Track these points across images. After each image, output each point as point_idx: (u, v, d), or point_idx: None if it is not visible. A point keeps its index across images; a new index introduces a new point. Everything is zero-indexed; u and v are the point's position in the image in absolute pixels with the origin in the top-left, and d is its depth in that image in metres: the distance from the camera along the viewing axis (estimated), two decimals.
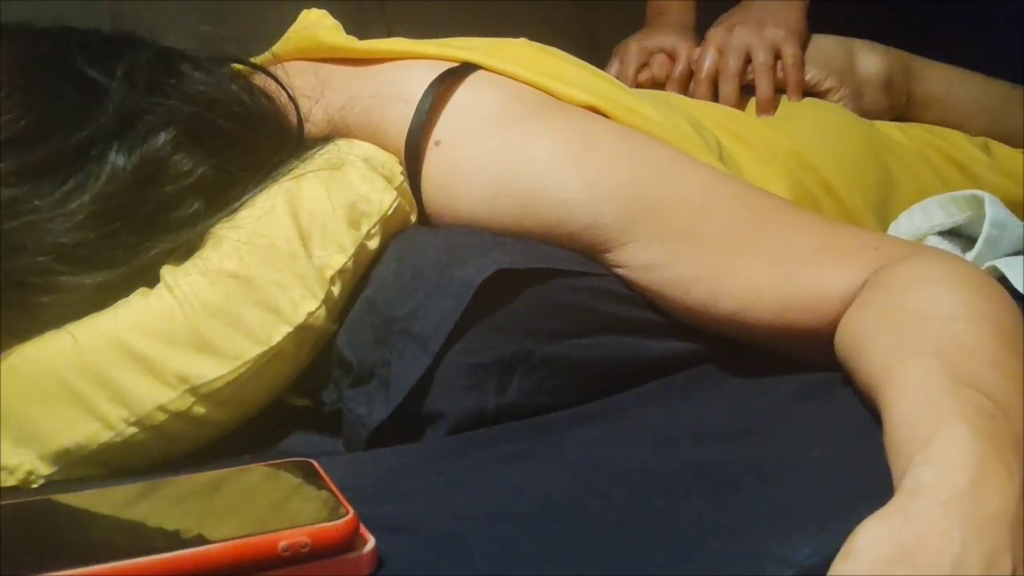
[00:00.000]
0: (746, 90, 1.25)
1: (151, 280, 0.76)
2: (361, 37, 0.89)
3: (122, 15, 0.83)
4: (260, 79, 0.86)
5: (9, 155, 0.72)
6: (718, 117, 1.08)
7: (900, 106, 1.31)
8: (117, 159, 0.75)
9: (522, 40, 0.95)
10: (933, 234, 0.98)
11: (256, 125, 0.83)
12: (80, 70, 0.77)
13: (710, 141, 0.97)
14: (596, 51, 0.98)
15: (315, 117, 0.86)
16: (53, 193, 0.73)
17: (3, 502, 0.57)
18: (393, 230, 0.82)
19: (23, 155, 0.73)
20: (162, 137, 0.77)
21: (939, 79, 1.33)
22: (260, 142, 0.82)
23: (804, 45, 1.26)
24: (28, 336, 0.74)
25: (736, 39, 1.25)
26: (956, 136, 1.24)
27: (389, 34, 0.90)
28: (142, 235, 0.76)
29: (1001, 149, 1.26)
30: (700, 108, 1.09)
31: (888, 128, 1.22)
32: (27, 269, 0.73)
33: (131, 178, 0.75)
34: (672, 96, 1.14)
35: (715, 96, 1.26)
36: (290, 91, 0.86)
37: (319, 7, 0.92)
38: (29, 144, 0.73)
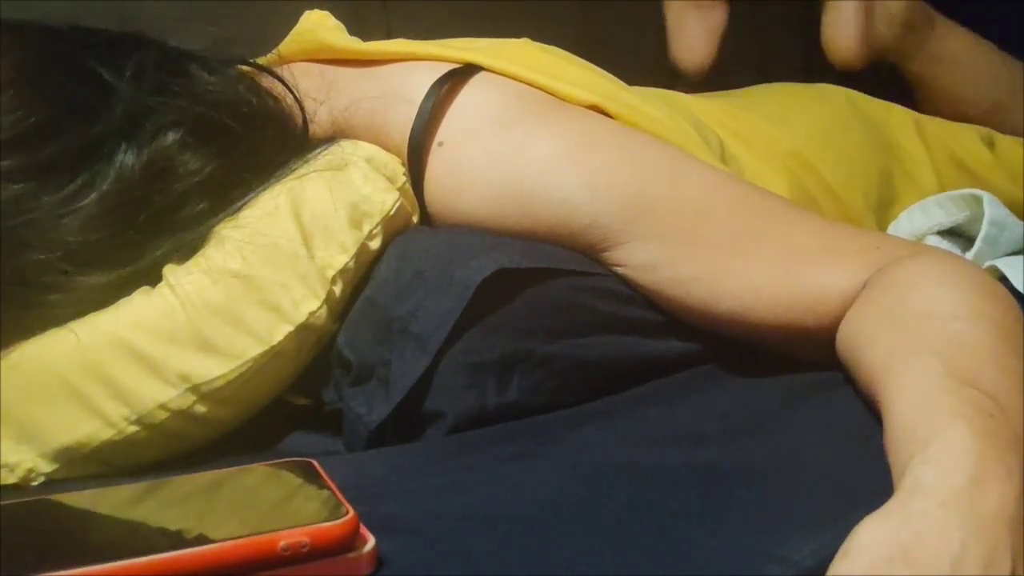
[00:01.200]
0: (747, 86, 1.25)
1: (154, 279, 0.76)
2: (362, 37, 0.90)
3: (130, 15, 0.84)
4: (267, 80, 0.87)
5: (17, 152, 0.72)
6: (720, 116, 1.08)
7: (908, 53, 1.31)
8: (126, 158, 0.75)
9: (524, 40, 0.95)
10: (932, 233, 0.98)
11: (262, 126, 0.83)
12: (90, 69, 0.77)
13: (711, 140, 0.97)
14: (597, 51, 0.98)
15: (320, 118, 0.87)
16: (61, 191, 0.73)
17: (3, 502, 0.57)
18: (395, 230, 0.82)
19: (31, 152, 0.73)
20: (170, 137, 0.77)
21: (960, 39, 1.33)
22: (265, 143, 0.82)
23: None
24: (31, 334, 0.74)
25: None
26: (964, 136, 1.24)
27: (389, 34, 0.90)
28: (148, 234, 0.76)
29: (1004, 143, 1.25)
30: (702, 107, 1.09)
31: (894, 129, 1.22)
32: (33, 267, 0.73)
33: (139, 177, 0.76)
34: (674, 95, 1.14)
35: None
36: (296, 93, 0.86)
37: (320, 7, 0.93)
38: (38, 142, 0.73)
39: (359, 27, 0.91)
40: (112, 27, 0.83)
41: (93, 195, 0.74)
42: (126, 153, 0.75)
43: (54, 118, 0.74)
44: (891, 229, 1.03)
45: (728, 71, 1.32)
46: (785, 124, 1.15)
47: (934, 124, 1.24)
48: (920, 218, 1.00)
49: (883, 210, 1.09)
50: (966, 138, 1.23)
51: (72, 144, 0.74)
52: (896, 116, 1.21)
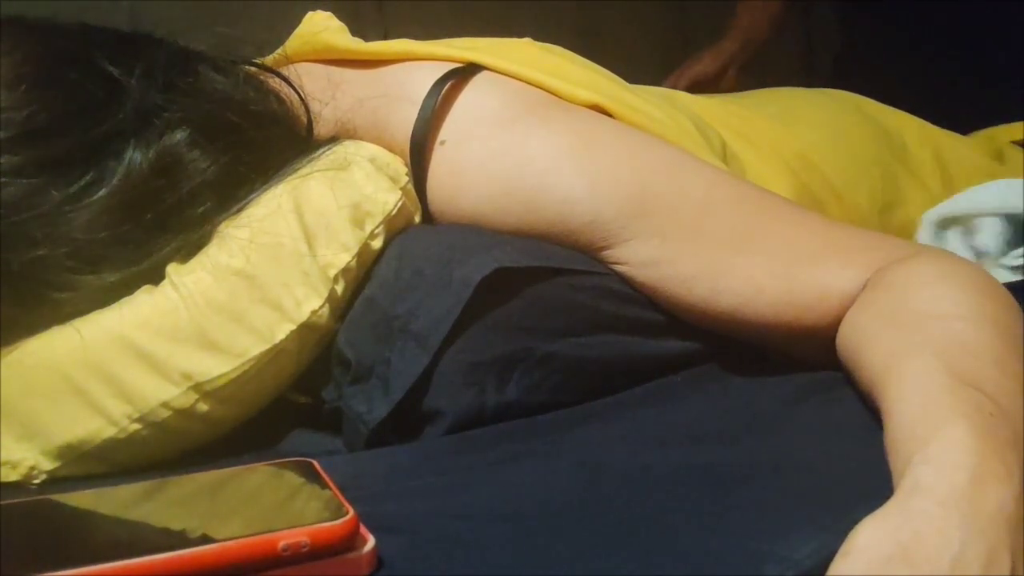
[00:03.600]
0: (750, 87, 1.25)
1: (157, 277, 0.77)
2: (359, 37, 0.90)
3: (139, 15, 0.84)
4: (273, 81, 0.87)
5: (27, 148, 0.72)
6: (722, 115, 1.08)
7: None
8: (134, 155, 0.76)
9: (526, 40, 0.95)
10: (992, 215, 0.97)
11: (268, 126, 0.83)
12: (100, 66, 0.78)
13: (713, 140, 0.97)
14: (595, 51, 0.98)
15: (324, 118, 0.87)
16: (69, 187, 0.73)
17: (4, 502, 0.57)
18: (397, 230, 0.83)
19: (41, 148, 0.73)
20: (178, 135, 0.77)
21: None
22: (271, 142, 0.82)
23: None
24: (34, 331, 0.74)
25: None
26: (971, 148, 1.24)
27: (386, 35, 0.90)
28: (154, 232, 0.77)
29: (1015, 156, 1.25)
30: (705, 107, 1.09)
31: (902, 133, 1.22)
32: (38, 263, 0.73)
33: (147, 174, 0.76)
34: (677, 94, 1.14)
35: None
36: (302, 94, 0.86)
37: (316, 7, 0.93)
38: (47, 138, 0.73)
39: (356, 27, 0.91)
40: (122, 26, 0.83)
41: (101, 192, 0.74)
42: (134, 150, 0.76)
43: (64, 115, 0.75)
44: (949, 203, 1.02)
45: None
46: (790, 124, 1.15)
47: (942, 135, 1.24)
48: (988, 196, 0.99)
49: (888, 212, 1.09)
50: (973, 150, 1.23)
51: (81, 141, 0.74)
52: (903, 121, 1.21)
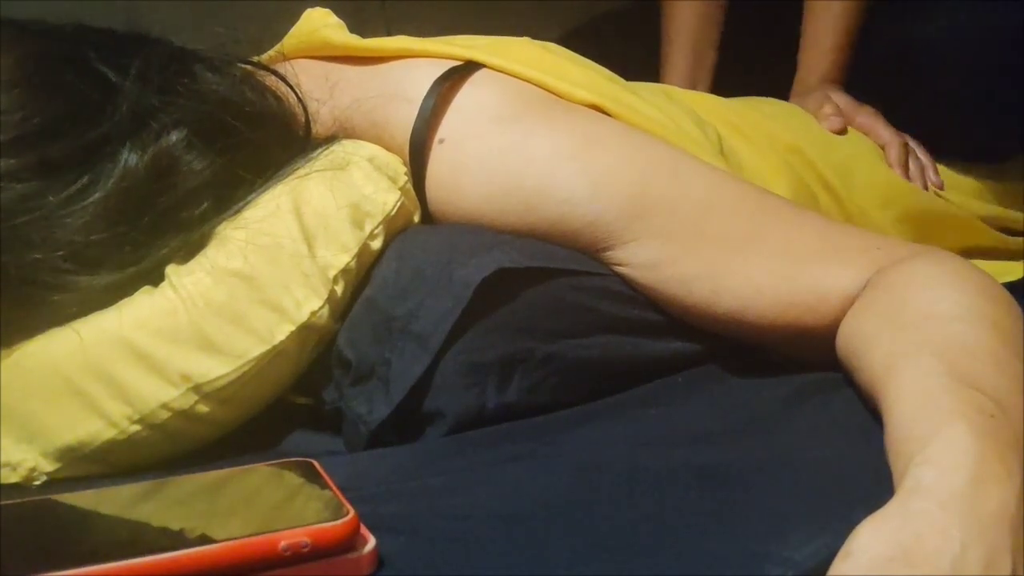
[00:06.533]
0: (744, 91, 1.25)
1: (156, 279, 0.77)
2: (361, 36, 0.90)
3: (135, 15, 0.84)
4: (270, 80, 0.87)
5: (22, 151, 0.72)
6: (719, 110, 1.08)
7: None
8: (130, 157, 0.75)
9: (526, 39, 0.95)
10: None
11: (266, 126, 0.83)
12: (94, 68, 0.77)
13: (711, 136, 0.97)
14: (597, 49, 0.98)
15: (322, 118, 0.87)
16: (65, 190, 0.73)
17: (4, 502, 0.57)
18: (396, 230, 0.83)
19: (36, 151, 0.73)
20: (174, 136, 0.77)
21: None
22: (269, 143, 0.82)
23: None
24: (33, 333, 0.74)
25: None
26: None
27: (388, 33, 0.90)
28: (152, 234, 0.76)
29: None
30: (701, 102, 1.09)
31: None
32: (36, 266, 0.73)
33: (143, 176, 0.75)
34: (674, 90, 1.14)
35: None
36: (300, 94, 0.86)
37: (319, 6, 0.93)
38: (42, 141, 0.73)
39: (358, 26, 0.91)
40: (117, 27, 0.83)
41: (97, 194, 0.74)
42: (130, 152, 0.75)
43: (59, 117, 0.74)
44: None
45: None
46: (783, 120, 1.15)
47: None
48: None
49: (879, 208, 1.09)
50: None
51: (76, 143, 0.74)
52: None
